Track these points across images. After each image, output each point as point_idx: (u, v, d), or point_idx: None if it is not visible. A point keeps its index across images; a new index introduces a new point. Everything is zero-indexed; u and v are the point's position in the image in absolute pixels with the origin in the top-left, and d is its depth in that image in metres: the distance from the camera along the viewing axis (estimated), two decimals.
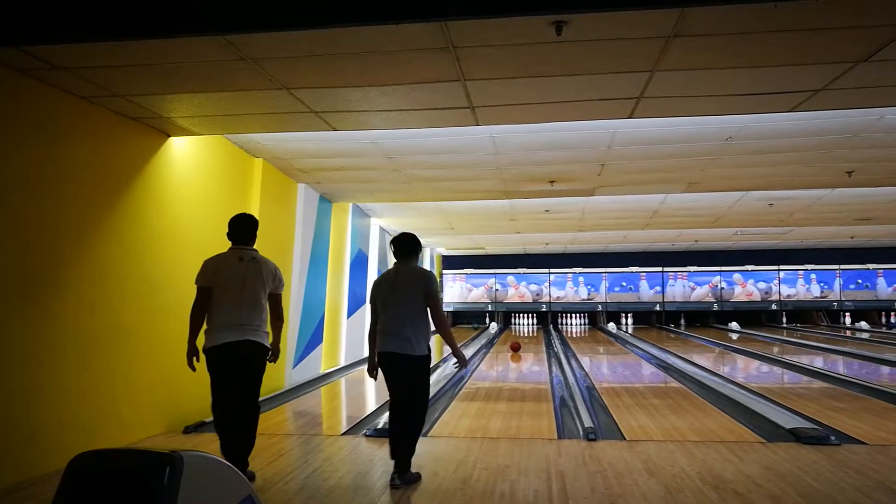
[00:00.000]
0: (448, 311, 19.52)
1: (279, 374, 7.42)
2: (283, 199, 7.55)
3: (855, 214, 11.48)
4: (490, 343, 14.07)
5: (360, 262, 11.00)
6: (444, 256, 19.51)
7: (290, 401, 6.83)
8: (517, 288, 19.46)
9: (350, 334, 10.32)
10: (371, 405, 6.94)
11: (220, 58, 3.71)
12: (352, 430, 5.35)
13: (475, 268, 19.41)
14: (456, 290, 19.57)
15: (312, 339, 8.57)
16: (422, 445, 4.75)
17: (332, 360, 9.49)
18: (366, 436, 5.09)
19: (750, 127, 5.77)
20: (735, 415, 5.79)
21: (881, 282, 18.08)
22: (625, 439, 4.96)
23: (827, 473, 3.97)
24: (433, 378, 8.45)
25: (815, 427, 5.11)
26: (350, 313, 10.37)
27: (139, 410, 4.99)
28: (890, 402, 6.45)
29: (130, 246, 4.95)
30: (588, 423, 5.31)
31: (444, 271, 19.55)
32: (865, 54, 3.72)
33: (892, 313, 18.25)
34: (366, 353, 10.96)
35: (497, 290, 19.48)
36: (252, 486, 2.48)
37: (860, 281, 18.19)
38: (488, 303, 19.43)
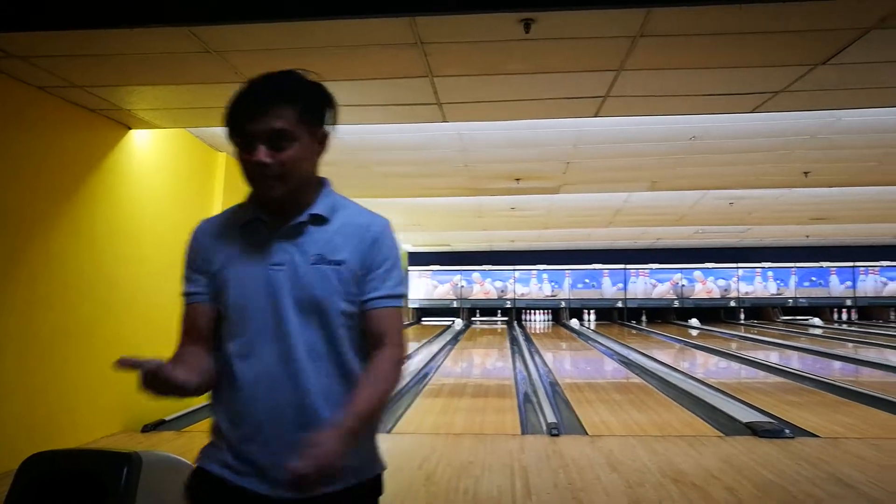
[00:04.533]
0: (414, 308, 19.52)
1: None
2: (245, 194, 7.43)
3: (810, 214, 11.78)
4: (455, 339, 14.11)
5: None
6: (410, 253, 19.49)
7: None
8: (482, 284, 19.53)
9: None
10: None
11: (184, 49, 3.64)
12: None
13: (441, 264, 19.43)
14: (422, 287, 19.56)
15: None
16: (386, 442, 4.73)
17: None
18: None
19: (713, 127, 5.87)
20: (694, 409, 5.91)
21: (834, 279, 18.60)
22: (587, 434, 5.02)
23: (781, 466, 4.08)
24: None
25: (771, 421, 5.24)
26: None
27: (96, 409, 4.87)
28: (841, 395, 6.65)
29: (88, 241, 4.83)
30: (551, 418, 5.36)
31: (410, 268, 19.53)
32: (824, 57, 3.82)
33: (844, 310, 18.80)
34: None
35: (463, 286, 19.53)
36: None
37: (814, 278, 18.69)
38: (454, 299, 19.46)
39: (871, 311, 18.71)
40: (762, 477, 3.85)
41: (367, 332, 1.38)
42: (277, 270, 1.34)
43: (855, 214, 11.94)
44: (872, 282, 18.48)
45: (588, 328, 17.19)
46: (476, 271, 19.52)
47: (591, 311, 19.37)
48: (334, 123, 1.44)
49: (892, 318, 18.55)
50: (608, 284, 19.10)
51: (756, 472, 3.94)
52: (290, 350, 1.32)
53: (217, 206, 6.42)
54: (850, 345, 12.45)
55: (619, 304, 19.09)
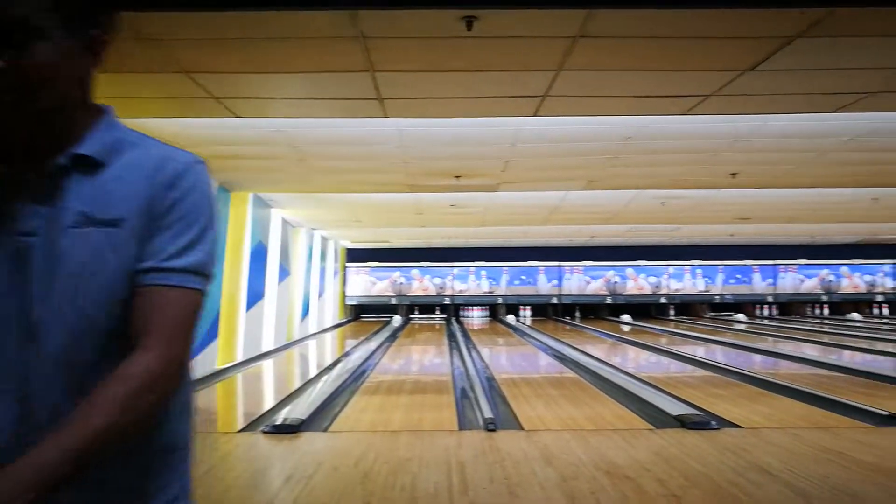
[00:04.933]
0: (352, 305, 19.35)
1: None
2: None
3: (736, 214, 12.27)
4: (393, 336, 14.07)
5: (259, 255, 10.69)
6: (348, 249, 19.31)
7: None
8: (421, 281, 19.54)
9: (249, 328, 10.02)
10: (269, 401, 6.77)
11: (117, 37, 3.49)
12: (249, 427, 5.20)
13: (380, 261, 19.33)
14: (360, 284, 19.42)
15: (208, 333, 8.25)
16: (322, 441, 4.70)
17: (228, 354, 9.18)
18: (264, 432, 4.95)
19: (647, 128, 6.03)
20: (626, 403, 6.06)
21: (756, 277, 19.43)
22: (523, 429, 5.08)
23: (708, 456, 4.23)
24: (335, 372, 8.38)
25: (698, 413, 5.43)
26: (249, 306, 10.07)
27: None
28: (762, 387, 6.95)
29: None
30: (488, 413, 5.41)
31: (349, 264, 19.35)
32: (752, 63, 3.98)
33: (765, 306, 19.66)
34: (265, 347, 10.69)
35: (401, 283, 19.48)
36: None
37: (739, 276, 19.47)
38: (392, 296, 19.40)
39: (790, 308, 19.65)
40: (690, 467, 3.99)
41: (129, 322, 0.92)
42: (26, 242, 0.91)
43: (777, 215, 12.51)
44: (791, 279, 19.39)
45: (524, 324, 17.43)
46: (415, 268, 19.51)
47: (527, 307, 19.65)
48: (112, 28, 1.00)
49: (809, 313, 19.53)
50: (544, 281, 19.41)
51: (684, 463, 4.08)
52: (38, 362, 0.91)
53: None
54: (771, 339, 13.04)
55: (554, 301, 19.42)
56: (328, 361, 10.19)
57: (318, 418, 5.44)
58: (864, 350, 10.70)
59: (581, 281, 19.44)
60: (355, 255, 19.34)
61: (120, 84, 4.34)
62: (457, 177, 7.97)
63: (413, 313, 19.77)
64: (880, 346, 11.17)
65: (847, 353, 10.60)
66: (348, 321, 18.71)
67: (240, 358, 9.49)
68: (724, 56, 3.87)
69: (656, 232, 15.43)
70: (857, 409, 5.63)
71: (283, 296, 12.19)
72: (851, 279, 19.36)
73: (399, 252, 19.14)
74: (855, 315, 18.73)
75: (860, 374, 7.90)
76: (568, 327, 16.66)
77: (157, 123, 5.85)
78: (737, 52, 3.80)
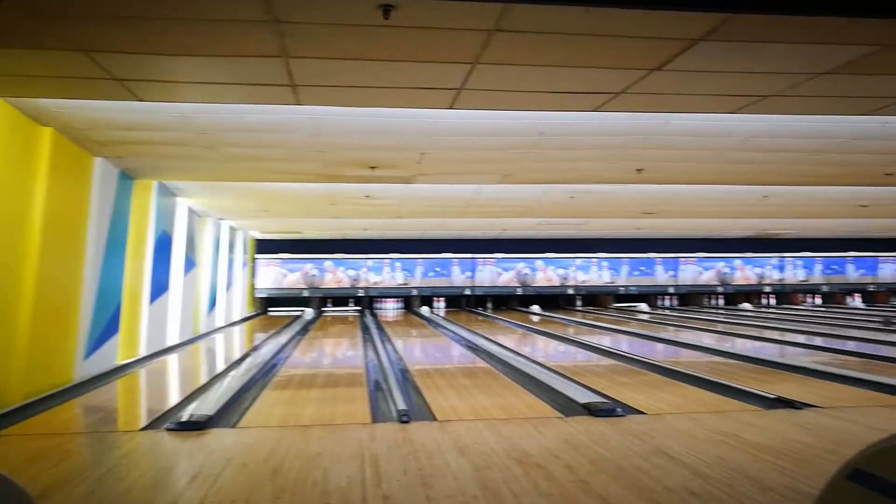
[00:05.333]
0: (262, 298, 18.89)
1: (67, 367, 6.70)
2: (76, 174, 6.77)
3: (641, 208, 12.79)
4: (305, 329, 13.83)
5: (164, 245, 10.24)
6: (257, 240, 18.80)
7: (81, 395, 6.20)
8: (334, 273, 19.29)
9: (152, 322, 9.60)
10: (174, 397, 6.51)
11: (6, 10, 3.23)
12: (153, 425, 4.98)
13: (291, 252, 18.93)
14: (270, 276, 18.96)
15: (108, 327, 7.84)
16: (231, 437, 4.55)
17: (130, 350, 8.76)
18: (168, 430, 4.76)
19: (560, 124, 6.17)
20: (537, 392, 6.21)
21: (659, 269, 20.34)
22: (436, 420, 5.11)
23: (614, 442, 4.39)
24: (244, 366, 8.15)
25: (605, 401, 5.63)
26: (152, 299, 9.64)
27: None
28: (664, 375, 7.29)
29: None
30: (401, 405, 5.41)
31: (258, 256, 18.85)
32: (659, 63, 4.13)
33: (667, 297, 20.62)
34: (170, 342, 10.28)
35: (314, 275, 19.17)
36: (30, 496, 2.20)
37: (643, 268, 20.32)
38: (304, 288, 19.06)
39: (689, 298, 20.70)
40: (598, 454, 4.13)
41: None
42: None
43: (678, 210, 13.14)
44: (691, 271, 20.42)
45: (438, 315, 17.53)
46: (328, 260, 19.24)
47: (441, 299, 19.78)
48: None
49: (706, 303, 20.64)
50: (457, 273, 19.59)
51: (592, 450, 4.22)
52: None
53: (41, 187, 5.80)
54: (672, 328, 13.68)
55: (468, 292, 19.65)
56: (237, 356, 9.90)
57: (227, 414, 5.27)
58: (754, 338, 11.42)
59: (493, 273, 19.75)
60: (266, 246, 18.86)
61: (11, 60, 4.03)
62: (372, 167, 7.91)
63: (326, 306, 19.51)
64: (768, 334, 11.94)
65: (739, 340, 11.27)
66: (258, 314, 18.25)
67: (142, 353, 9.08)
68: (633, 55, 4.01)
69: (566, 225, 15.88)
70: (749, 393, 6.00)
71: (189, 288, 11.76)
72: (744, 271, 20.60)
73: (312, 243, 18.82)
74: (746, 305, 19.94)
75: (751, 361, 8.42)
76: (480, 318, 16.89)
77: (52, 104, 5.48)
78: (645, 51, 3.94)
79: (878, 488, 2.05)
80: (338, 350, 10.70)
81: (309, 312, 18.05)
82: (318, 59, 4.03)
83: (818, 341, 10.82)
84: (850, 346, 10.08)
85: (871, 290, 20.70)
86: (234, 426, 4.91)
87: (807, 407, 5.41)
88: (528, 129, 6.31)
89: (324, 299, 19.45)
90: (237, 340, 12.94)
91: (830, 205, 12.41)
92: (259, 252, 18.88)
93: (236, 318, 16.00)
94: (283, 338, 11.75)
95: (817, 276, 20.72)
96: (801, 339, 11.41)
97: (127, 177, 8.36)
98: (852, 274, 20.74)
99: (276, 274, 19.01)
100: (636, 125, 6.28)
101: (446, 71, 4.28)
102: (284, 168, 8.15)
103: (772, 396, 5.74)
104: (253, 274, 18.70)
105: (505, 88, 4.68)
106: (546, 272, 19.96)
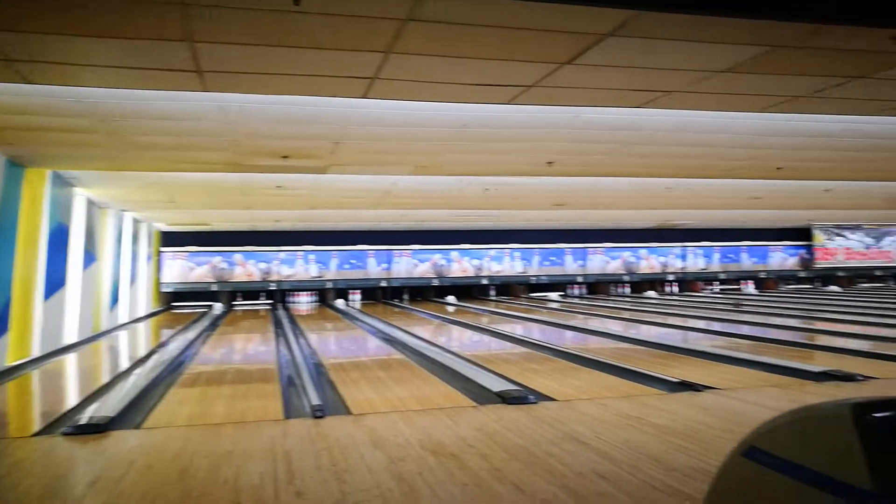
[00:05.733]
0: (168, 292, 18.13)
1: None
2: None
3: (552, 200, 13.10)
4: (214, 325, 13.39)
5: (60, 238, 9.65)
6: (163, 232, 18.01)
7: None
8: (245, 266, 18.75)
9: (47, 320, 9.03)
10: (71, 399, 6.15)
11: None
12: (47, 430, 4.68)
13: (199, 245, 18.24)
14: (176, 270, 18.22)
15: None
16: (134, 438, 4.35)
17: (21, 350, 8.21)
18: (64, 434, 4.49)
19: (474, 117, 6.21)
20: (452, 382, 6.25)
21: (568, 259, 20.92)
22: (351, 414, 5.06)
23: (526, 429, 4.48)
24: (149, 364, 7.80)
25: (518, 388, 5.73)
26: (47, 295, 9.07)
27: None
28: (573, 362, 7.50)
29: None
30: (315, 400, 5.32)
31: (163, 249, 18.07)
32: (569, 57, 4.22)
33: (576, 286, 21.26)
34: (67, 340, 9.72)
35: (223, 268, 18.56)
36: None
37: (553, 258, 20.85)
38: (213, 282, 18.42)
39: (597, 287, 21.41)
40: (511, 441, 4.20)
41: None
42: None
43: (587, 202, 13.54)
44: (599, 261, 21.12)
45: (354, 308, 17.38)
46: (238, 252, 18.67)
47: (357, 291, 19.61)
48: None
49: (613, 292, 21.42)
50: (373, 264, 19.47)
51: (505, 438, 4.29)
52: None
53: None
54: (581, 316, 14.11)
55: (384, 284, 19.56)
56: (141, 353, 9.47)
57: (130, 415, 5.03)
58: (658, 324, 11.94)
59: (409, 264, 19.75)
60: (172, 239, 18.10)
61: None
62: (284, 157, 7.71)
63: (236, 300, 18.94)
64: (671, 321, 12.52)
65: (644, 327, 11.76)
66: (164, 309, 17.52)
67: (36, 353, 8.53)
68: (545, 49, 4.08)
69: (481, 217, 16.07)
70: (653, 377, 6.26)
71: (89, 283, 11.14)
72: (649, 260, 21.49)
73: (221, 235, 18.21)
74: (651, 293, 20.83)
75: (655, 346, 8.80)
76: (397, 310, 16.86)
77: None
78: (557, 45, 4.01)
79: (771, 464, 2.17)
80: (249, 345, 10.42)
81: (218, 307, 17.48)
82: (225, 44, 3.88)
83: (716, 326, 11.44)
84: (745, 329, 10.72)
85: (762, 277, 22.06)
86: (138, 427, 4.68)
87: (707, 389, 5.70)
88: (443, 120, 6.31)
89: (234, 293, 18.87)
90: (142, 337, 12.39)
91: (727, 196, 13.12)
92: (165, 245, 18.11)
93: (141, 314, 15.30)
94: (191, 334, 11.34)
95: (716, 265, 21.89)
96: (701, 324, 12.02)
97: (16, 165, 7.80)
98: (746, 262, 22.02)
99: (182, 268, 18.29)
100: (548, 118, 6.40)
101: (359, 60, 4.22)
102: (192, 157, 7.83)
103: (675, 380, 6.02)
104: (158, 268, 17.92)
105: (418, 79, 4.66)
106: (461, 263, 20.14)
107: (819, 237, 21.67)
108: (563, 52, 4.13)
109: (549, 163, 8.54)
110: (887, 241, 21.89)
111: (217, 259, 18.54)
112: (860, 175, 10.46)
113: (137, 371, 7.32)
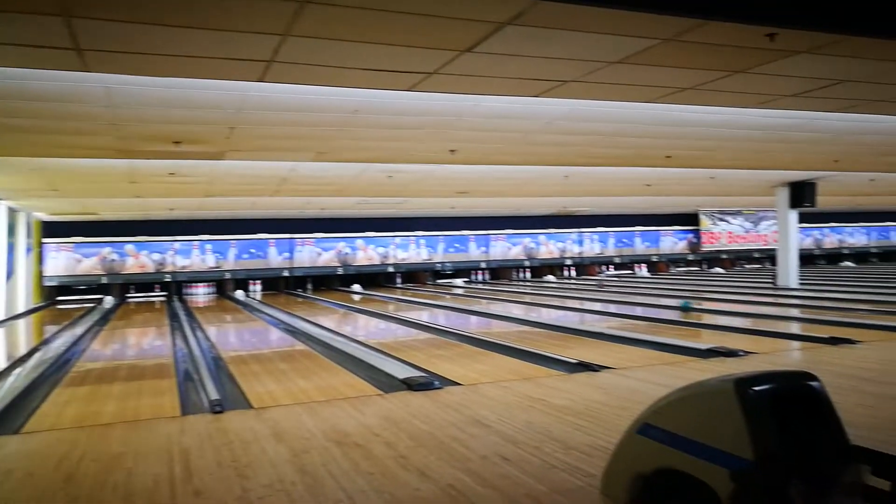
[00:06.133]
0: (52, 286, 16.97)
1: None
2: None
3: (456, 188, 13.20)
4: (104, 319, 12.67)
5: None
6: (44, 223, 16.80)
7: None
8: (137, 257, 17.81)
9: None
10: None
11: None
12: None
13: (86, 235, 17.15)
14: (61, 262, 17.07)
15: None
16: (13, 444, 4.05)
17: None
18: None
19: (374, 102, 6.13)
20: (357, 371, 6.21)
21: (472, 245, 21.21)
22: (252, 408, 4.93)
23: (432, 415, 4.52)
24: (31, 363, 7.28)
25: (423, 375, 5.77)
26: None
27: None
28: (478, 346, 7.63)
29: None
30: (214, 395, 5.15)
31: (46, 240, 16.87)
32: (469, 45, 4.23)
33: (480, 272, 21.59)
34: None
35: (114, 259, 17.56)
36: None
37: (458, 245, 21.07)
38: (103, 275, 17.40)
39: (500, 272, 21.85)
40: (416, 428, 4.22)
41: None
42: None
43: (489, 189, 13.74)
44: (501, 247, 21.53)
45: (254, 299, 16.90)
46: (129, 243, 17.71)
47: (258, 282, 19.08)
48: None
49: (514, 277, 21.91)
50: (274, 254, 18.98)
51: (411, 424, 4.30)
52: None
53: None
54: (484, 301, 14.37)
55: (286, 273, 19.13)
56: (22, 352, 8.84)
57: (8, 418, 4.69)
58: (557, 307, 12.34)
59: (313, 253, 19.41)
60: (55, 229, 16.93)
61: None
62: (176, 142, 7.35)
63: (129, 293, 17.99)
64: (569, 304, 12.98)
65: (544, 310, 12.12)
66: (48, 304, 16.40)
67: None
68: (445, 36, 4.07)
69: (385, 205, 15.97)
70: (554, 359, 6.47)
71: None
72: (548, 246, 22.12)
73: (110, 225, 17.20)
74: (550, 277, 21.46)
75: (555, 329, 9.09)
76: (300, 300, 16.55)
77: None
78: (457, 32, 4.01)
79: (663, 439, 2.29)
80: (143, 340, 9.93)
81: (109, 300, 16.53)
82: (105, 20, 3.62)
83: (612, 308, 11.93)
84: (638, 311, 11.25)
85: (654, 260, 23.20)
86: (17, 432, 4.36)
87: (603, 369, 5.94)
88: (342, 106, 6.20)
89: (126, 286, 17.91)
90: (22, 335, 11.56)
91: (621, 184, 13.68)
92: (47, 236, 16.91)
93: (21, 309, 14.25)
94: (78, 329, 10.68)
95: (611, 249, 22.82)
96: (597, 306, 12.51)
97: None
98: (639, 246, 23.09)
99: (68, 260, 17.17)
100: (450, 106, 6.42)
101: (256, 42, 4.05)
102: (75, 142, 7.32)
103: (574, 361, 6.23)
104: (40, 260, 16.72)
105: (318, 63, 4.54)
106: (366, 251, 19.99)
107: (705, 222, 23.00)
108: (464, 40, 4.14)
109: (452, 150, 8.59)
110: (764, 224, 23.52)
111: (107, 250, 17.52)
112: (741, 164, 11.16)
113: (17, 371, 6.82)
